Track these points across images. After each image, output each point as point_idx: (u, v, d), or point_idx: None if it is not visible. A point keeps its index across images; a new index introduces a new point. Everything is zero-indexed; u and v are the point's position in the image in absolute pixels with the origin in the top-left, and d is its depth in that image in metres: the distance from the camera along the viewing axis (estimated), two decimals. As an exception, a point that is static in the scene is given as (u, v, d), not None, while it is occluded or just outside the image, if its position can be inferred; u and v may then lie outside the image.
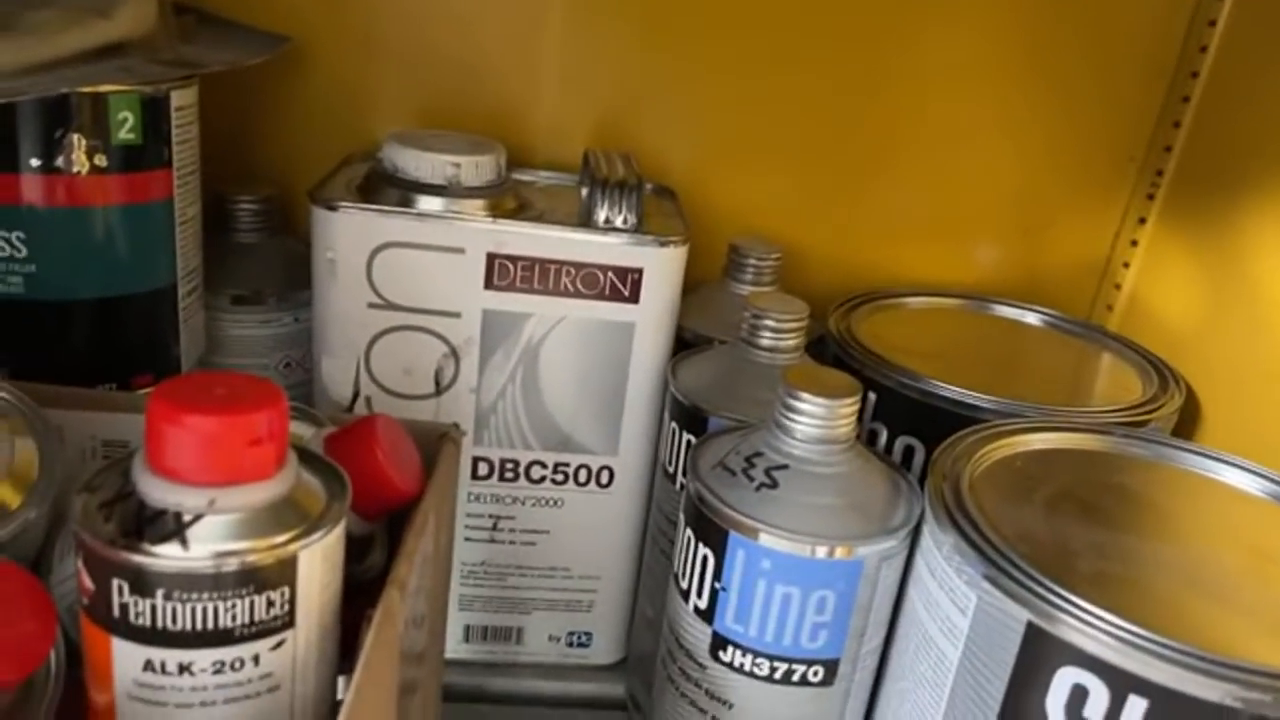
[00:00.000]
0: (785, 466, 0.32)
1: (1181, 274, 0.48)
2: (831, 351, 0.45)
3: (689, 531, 0.34)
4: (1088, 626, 0.25)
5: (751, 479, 0.32)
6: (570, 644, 0.48)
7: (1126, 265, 0.52)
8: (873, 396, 0.42)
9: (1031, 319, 0.51)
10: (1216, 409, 0.44)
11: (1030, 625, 0.27)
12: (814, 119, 0.51)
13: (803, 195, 0.53)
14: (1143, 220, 0.52)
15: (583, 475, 0.44)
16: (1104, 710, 0.26)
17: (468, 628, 0.46)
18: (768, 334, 0.39)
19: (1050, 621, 0.26)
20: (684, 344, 0.45)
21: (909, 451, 0.41)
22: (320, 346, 0.41)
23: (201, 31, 0.42)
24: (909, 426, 0.41)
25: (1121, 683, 0.25)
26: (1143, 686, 0.25)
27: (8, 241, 0.33)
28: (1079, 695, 0.26)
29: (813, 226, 0.53)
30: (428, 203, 0.40)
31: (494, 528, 0.44)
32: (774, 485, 0.32)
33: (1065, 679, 0.26)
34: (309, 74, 0.48)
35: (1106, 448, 0.37)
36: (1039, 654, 0.27)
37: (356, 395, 0.41)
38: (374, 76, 0.49)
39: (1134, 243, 0.52)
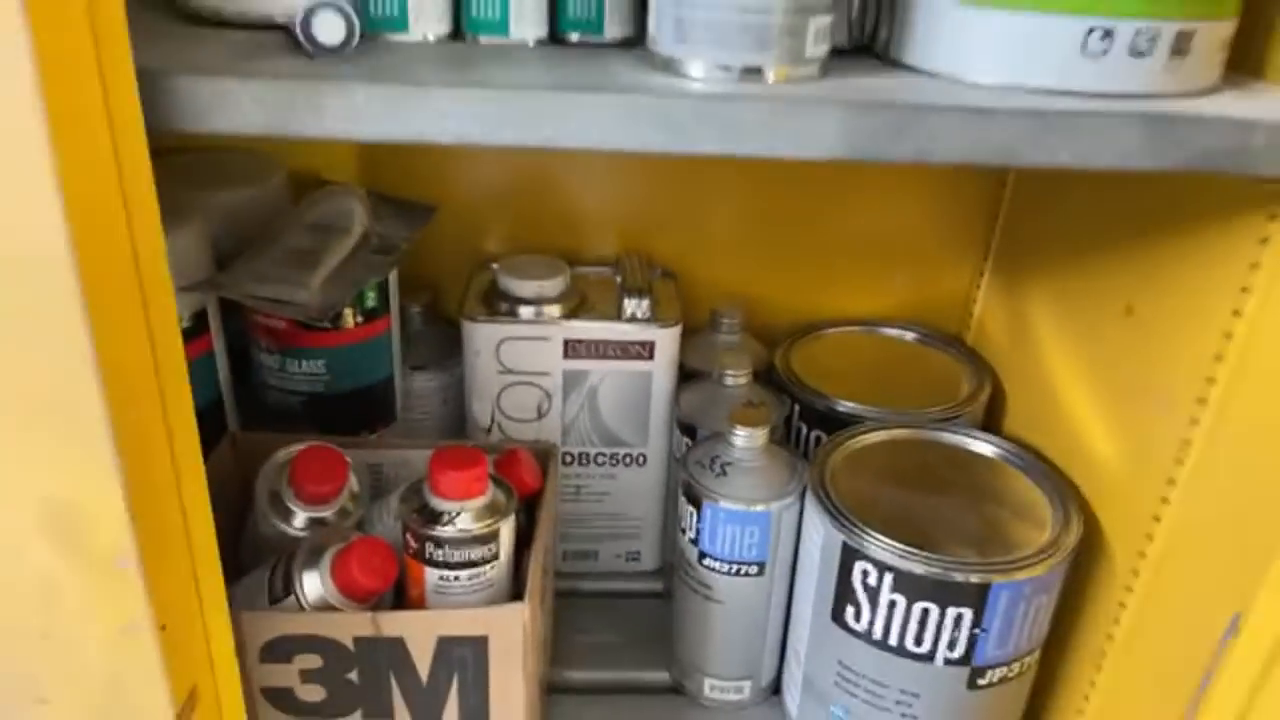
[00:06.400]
0: (730, 462, 0.60)
1: (1002, 306, 0.75)
2: (775, 377, 0.72)
3: (684, 499, 0.62)
4: (868, 543, 0.54)
5: (713, 470, 0.61)
6: (627, 559, 0.77)
7: (975, 300, 0.79)
8: (798, 407, 0.70)
9: (909, 336, 0.78)
10: (1015, 401, 0.71)
11: (844, 543, 0.55)
12: (769, 221, 0.78)
13: (761, 266, 0.79)
14: (982, 273, 0.78)
15: (627, 459, 0.73)
16: (874, 580, 0.54)
17: (565, 551, 0.76)
18: (729, 378, 0.67)
19: (853, 538, 0.55)
20: (685, 372, 0.73)
21: (819, 439, 0.68)
22: (470, 395, 0.70)
23: (379, 209, 0.70)
24: (818, 425, 0.69)
25: (879, 566, 0.54)
26: (889, 569, 0.53)
27: (314, 363, 0.62)
28: (862, 573, 0.55)
29: (769, 285, 0.80)
30: (526, 311, 0.68)
31: (576, 493, 0.74)
32: (724, 474, 0.60)
33: (861, 566, 0.55)
34: (443, 215, 0.75)
35: (922, 437, 0.64)
36: (849, 557, 0.55)
37: (491, 423, 0.71)
38: (485, 214, 0.77)
39: (979, 277, 0.79)
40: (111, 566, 0.39)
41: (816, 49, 0.41)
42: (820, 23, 0.40)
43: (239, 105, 0.36)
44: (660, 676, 0.69)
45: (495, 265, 0.72)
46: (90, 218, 0.33)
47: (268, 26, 0.45)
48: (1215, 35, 0.41)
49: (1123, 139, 0.38)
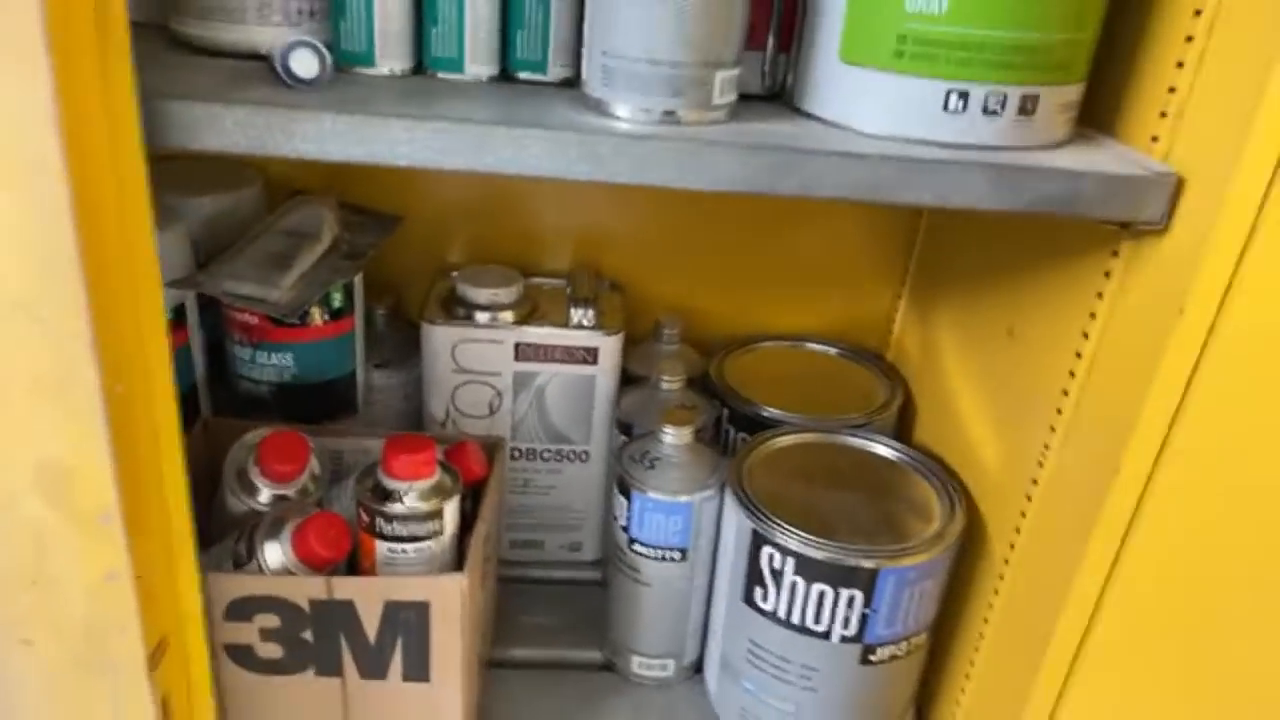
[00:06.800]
0: (659, 458, 0.67)
1: (916, 326, 0.82)
2: (709, 384, 0.79)
3: (617, 489, 0.69)
4: (774, 531, 0.60)
5: (644, 464, 0.67)
6: (570, 549, 0.84)
7: (894, 320, 0.86)
8: (727, 411, 0.76)
9: (832, 351, 0.85)
10: (924, 411, 0.78)
11: (754, 531, 0.62)
12: (711, 243, 0.85)
13: (701, 283, 0.86)
14: (900, 296, 0.85)
15: (571, 455, 0.79)
16: (779, 564, 0.61)
17: (512, 540, 0.83)
18: (664, 382, 0.74)
19: (762, 527, 0.61)
20: (629, 377, 0.79)
21: (743, 441, 0.75)
22: (427, 392, 0.76)
23: (349, 218, 0.76)
24: (744, 428, 0.75)
25: (783, 551, 0.60)
26: (791, 554, 0.60)
27: (283, 357, 0.68)
28: (769, 558, 0.61)
29: (709, 300, 0.87)
30: (482, 316, 0.74)
31: (524, 486, 0.80)
32: (653, 467, 0.67)
33: (768, 551, 0.61)
34: (409, 226, 0.82)
35: (831, 441, 0.71)
36: (758, 543, 0.62)
37: (446, 417, 0.77)
38: (448, 227, 0.84)
39: (898, 301, 0.86)
40: (96, 522, 0.45)
41: (723, 98, 0.48)
42: (726, 75, 0.47)
43: (223, 127, 0.43)
44: (594, 656, 0.75)
45: (455, 274, 0.78)
46: (93, 219, 0.39)
47: (253, 57, 0.51)
48: (1060, 98, 0.48)
49: (973, 183, 0.45)
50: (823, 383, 0.82)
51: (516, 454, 0.79)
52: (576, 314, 0.75)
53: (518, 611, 0.79)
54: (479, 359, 0.75)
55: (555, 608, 0.80)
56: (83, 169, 0.38)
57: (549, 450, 0.79)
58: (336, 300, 0.69)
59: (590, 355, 0.75)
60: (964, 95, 0.46)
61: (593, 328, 0.75)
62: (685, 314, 0.83)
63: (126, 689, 0.49)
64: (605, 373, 0.76)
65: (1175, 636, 0.53)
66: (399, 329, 0.81)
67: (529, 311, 0.76)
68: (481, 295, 0.75)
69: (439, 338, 0.74)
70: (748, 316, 0.88)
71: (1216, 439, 0.48)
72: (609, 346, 0.75)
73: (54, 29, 0.36)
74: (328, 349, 0.70)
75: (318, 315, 0.69)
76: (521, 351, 0.75)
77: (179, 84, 0.46)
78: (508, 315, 0.75)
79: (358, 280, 0.71)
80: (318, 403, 0.71)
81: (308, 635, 0.57)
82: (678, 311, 0.83)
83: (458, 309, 0.75)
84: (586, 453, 0.79)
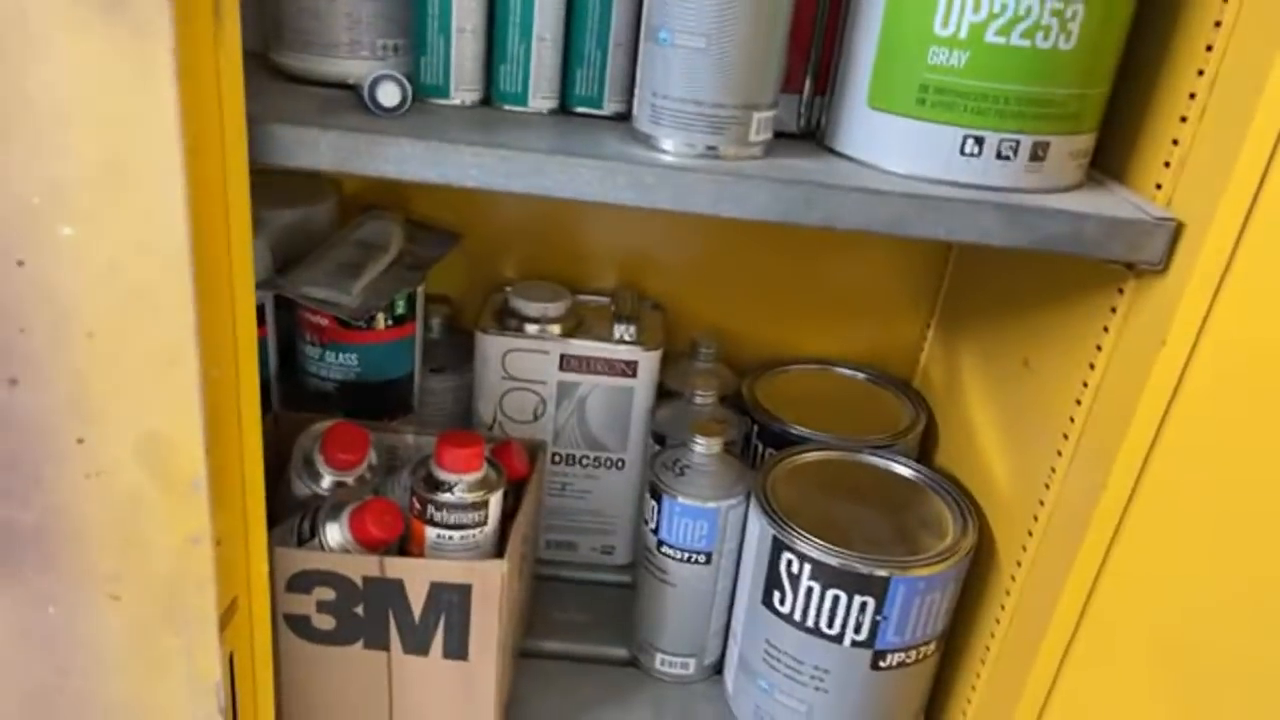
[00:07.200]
0: (689, 466, 0.72)
1: (943, 355, 0.86)
2: (741, 402, 0.84)
3: (648, 494, 0.73)
4: (793, 537, 0.65)
5: (675, 470, 0.72)
6: (602, 552, 0.88)
7: (922, 349, 0.90)
8: (757, 428, 0.81)
9: (860, 376, 0.89)
10: (945, 435, 0.82)
11: (774, 537, 0.66)
12: (749, 269, 0.90)
13: (739, 306, 0.91)
14: (929, 326, 0.90)
15: (608, 463, 0.84)
16: (796, 569, 0.65)
17: (549, 540, 0.87)
18: (698, 397, 0.79)
19: (782, 533, 0.65)
20: (665, 391, 0.84)
21: (770, 456, 0.80)
22: (477, 396, 0.82)
23: (413, 233, 0.82)
24: (772, 444, 0.80)
25: (801, 557, 0.64)
26: (808, 560, 0.64)
27: (349, 357, 0.75)
28: (787, 563, 0.65)
29: (745, 322, 0.91)
30: (531, 328, 0.80)
31: (562, 489, 0.85)
32: (683, 474, 0.71)
33: (786, 556, 0.66)
34: (467, 243, 0.88)
35: (854, 459, 0.75)
36: (777, 548, 0.66)
37: (493, 421, 0.82)
38: (503, 245, 0.90)
39: (926, 330, 0.90)
40: (187, 489, 0.51)
41: (759, 136, 0.53)
42: (762, 116, 0.52)
43: (318, 148, 0.49)
44: (619, 652, 0.80)
45: (508, 288, 0.84)
46: (204, 221, 0.45)
47: (342, 86, 0.57)
48: (1070, 146, 0.52)
49: (984, 221, 0.50)
50: (850, 405, 0.86)
51: (557, 458, 0.84)
52: (619, 330, 0.80)
53: (551, 608, 0.83)
54: (526, 368, 0.80)
55: (586, 606, 0.85)
56: (199, 178, 0.44)
57: (587, 456, 0.84)
58: (400, 307, 0.75)
59: (630, 369, 0.80)
60: (979, 141, 0.50)
61: (633, 343, 0.80)
62: (721, 335, 0.88)
63: (199, 643, 0.55)
64: (643, 386, 0.81)
65: (1149, 641, 0.57)
66: (453, 337, 0.87)
67: (575, 325, 0.82)
68: (531, 309, 0.80)
69: (491, 346, 0.79)
70: (781, 340, 0.92)
71: (1192, 456, 0.52)
72: (648, 361, 0.80)
73: (183, 55, 0.42)
74: (390, 352, 0.76)
75: (382, 320, 0.75)
76: (566, 362, 0.80)
77: (279, 109, 0.52)
78: (555, 328, 0.80)
79: (419, 290, 0.77)
80: (377, 401, 0.77)
81: (359, 610, 0.62)
82: (714, 332, 0.88)
83: (509, 320, 0.81)
84: (622, 460, 0.84)
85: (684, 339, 0.88)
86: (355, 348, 0.75)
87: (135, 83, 0.42)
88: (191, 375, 0.48)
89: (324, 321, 0.74)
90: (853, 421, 0.81)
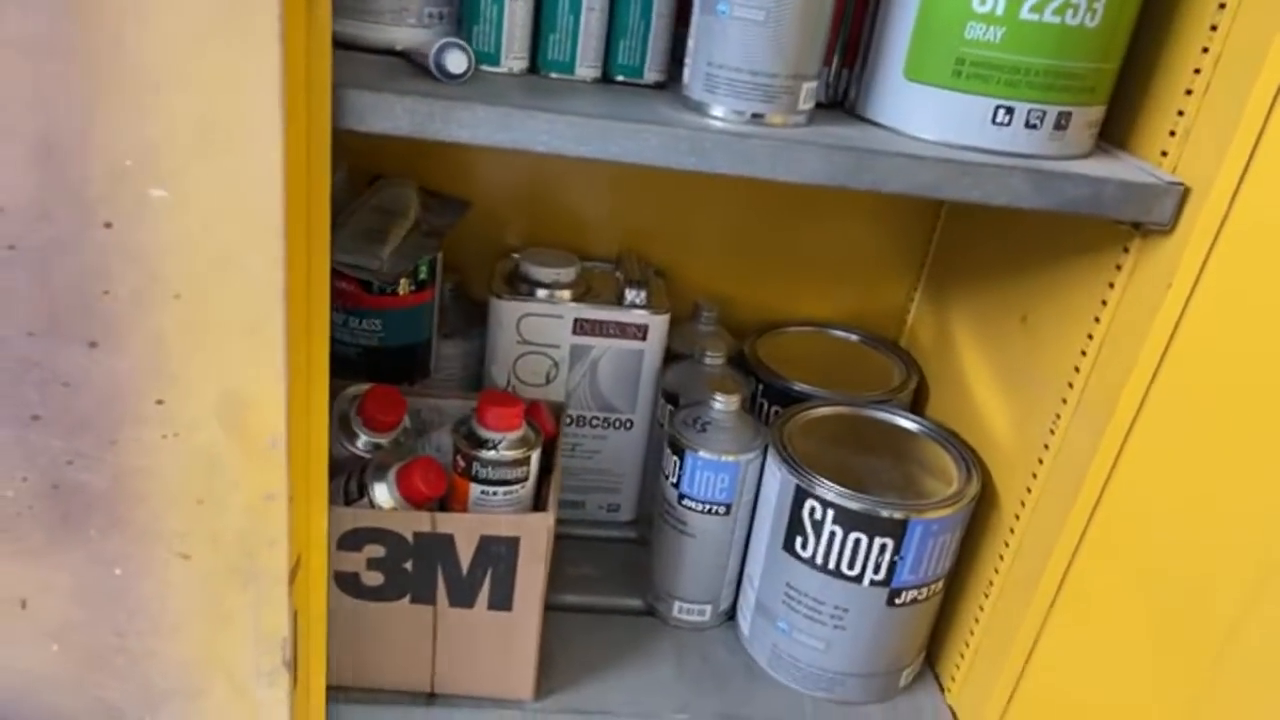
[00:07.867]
0: (709, 422, 0.75)
1: (930, 316, 0.91)
2: (745, 362, 0.87)
3: (669, 449, 0.77)
4: (816, 485, 0.69)
5: (695, 427, 0.75)
6: (609, 509, 0.92)
7: (909, 310, 0.96)
8: (761, 386, 0.85)
9: (853, 337, 0.94)
10: (936, 390, 0.87)
11: (797, 486, 0.70)
12: (744, 236, 0.93)
13: (736, 272, 0.95)
14: (916, 288, 0.95)
15: (617, 423, 0.87)
16: (819, 515, 0.69)
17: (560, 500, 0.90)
18: (709, 358, 0.82)
19: (804, 482, 0.70)
20: (669, 354, 0.87)
21: (776, 413, 0.84)
22: (491, 360, 0.84)
23: (426, 201, 0.83)
24: (776, 401, 0.84)
25: (823, 504, 0.69)
26: (831, 505, 0.68)
27: (374, 322, 0.76)
28: (810, 510, 0.70)
29: (742, 287, 0.95)
30: (543, 293, 0.82)
31: (572, 450, 0.88)
32: (704, 430, 0.75)
33: (809, 504, 0.70)
34: (473, 212, 0.89)
35: (860, 414, 0.80)
36: (800, 496, 0.70)
37: (507, 384, 0.84)
38: (507, 213, 0.91)
39: (914, 293, 0.95)
40: (264, 447, 0.52)
41: (806, 104, 0.56)
42: (810, 86, 0.55)
43: (394, 113, 0.50)
44: (633, 603, 0.83)
45: (517, 255, 0.86)
46: (293, 186, 0.47)
47: (389, 52, 0.58)
48: (1087, 117, 0.57)
49: (1015, 185, 0.54)
50: (845, 364, 0.91)
51: (568, 420, 0.86)
52: (630, 294, 0.83)
53: (564, 564, 0.86)
54: (541, 332, 0.82)
55: (597, 561, 0.88)
56: (291, 143, 0.46)
57: (597, 418, 0.87)
58: (422, 272, 0.77)
59: (641, 332, 0.83)
60: (1010, 111, 0.55)
61: (644, 307, 0.83)
62: (719, 299, 0.91)
63: (268, 599, 0.56)
64: (652, 348, 0.84)
65: (1136, 582, 0.63)
66: (462, 304, 0.89)
67: (584, 291, 0.84)
68: (545, 274, 0.82)
69: (506, 311, 0.81)
70: (775, 303, 0.96)
71: (1187, 398, 0.57)
72: (658, 325, 0.83)
73: (288, 27, 0.43)
74: (411, 317, 0.78)
75: (405, 286, 0.76)
76: (580, 326, 0.82)
77: (348, 77, 0.53)
78: (566, 294, 0.83)
79: (439, 255, 0.79)
80: (398, 365, 0.79)
81: (408, 565, 0.64)
82: (713, 296, 0.92)
83: (521, 286, 0.83)
84: (630, 421, 0.87)
85: (681, 305, 0.91)
86: (379, 313, 0.76)
87: (237, 43, 0.43)
88: (276, 336, 0.49)
89: (349, 287, 0.74)
90: (849, 379, 0.86)
